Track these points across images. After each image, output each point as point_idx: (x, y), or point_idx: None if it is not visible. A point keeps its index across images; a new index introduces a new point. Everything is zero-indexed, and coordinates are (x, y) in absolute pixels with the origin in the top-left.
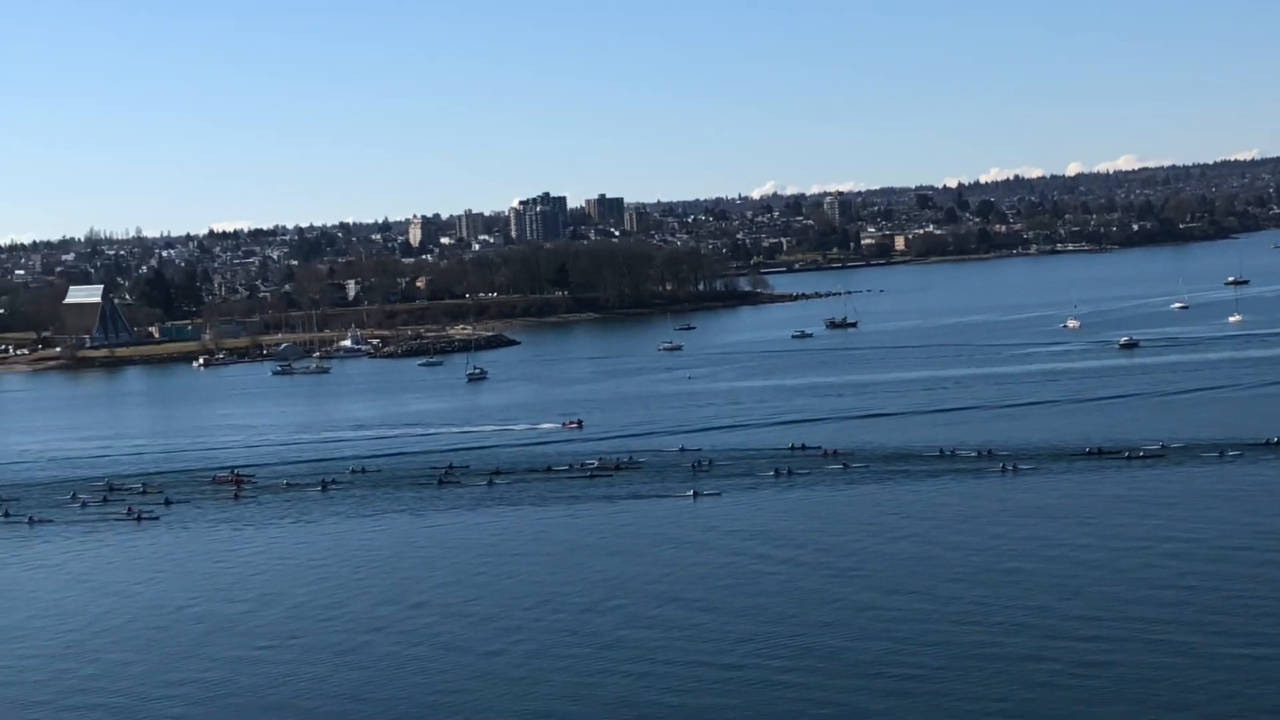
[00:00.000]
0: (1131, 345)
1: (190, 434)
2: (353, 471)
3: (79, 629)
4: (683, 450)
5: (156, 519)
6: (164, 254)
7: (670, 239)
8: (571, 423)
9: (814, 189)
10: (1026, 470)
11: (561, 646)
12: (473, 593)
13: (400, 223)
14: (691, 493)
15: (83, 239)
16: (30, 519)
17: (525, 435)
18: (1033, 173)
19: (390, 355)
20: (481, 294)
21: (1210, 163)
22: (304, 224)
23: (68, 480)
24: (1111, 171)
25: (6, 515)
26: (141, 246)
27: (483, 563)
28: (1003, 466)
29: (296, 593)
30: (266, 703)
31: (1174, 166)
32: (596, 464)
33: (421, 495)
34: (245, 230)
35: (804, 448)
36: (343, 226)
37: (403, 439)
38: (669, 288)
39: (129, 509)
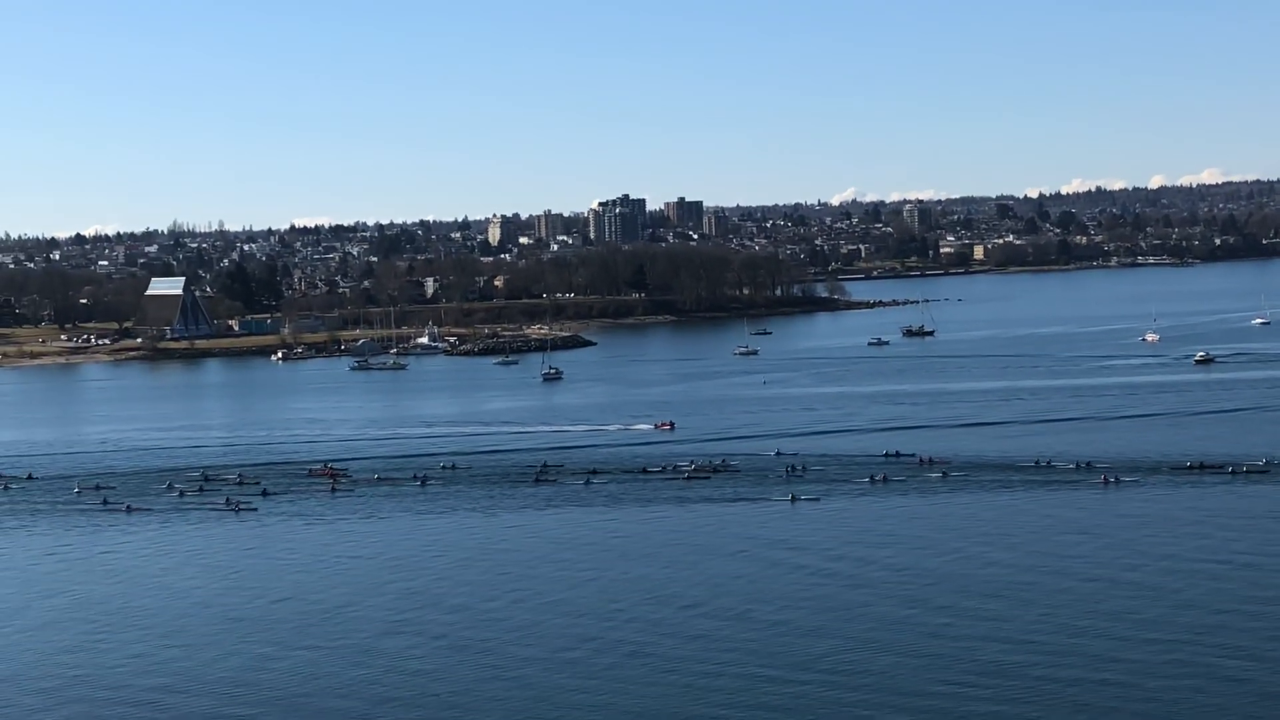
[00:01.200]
0: (1207, 360)
1: (273, 426)
2: (444, 468)
3: (191, 613)
4: (779, 454)
5: (255, 509)
6: (245, 248)
7: (748, 243)
8: (664, 424)
9: (894, 196)
10: (1129, 483)
11: (669, 644)
12: (582, 589)
13: (480, 221)
14: (789, 497)
15: (166, 231)
16: (128, 507)
17: (618, 436)
18: (1115, 184)
19: (466, 353)
20: (559, 294)
21: None
22: (384, 221)
23: (156, 470)
24: (1195, 185)
25: (105, 503)
26: (224, 240)
27: (589, 561)
28: (1105, 479)
29: (415, 585)
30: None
31: (1258, 181)
32: (693, 466)
33: (519, 493)
34: (326, 226)
35: (899, 455)
36: (422, 224)
37: (494, 436)
38: (746, 292)
39: (227, 499)
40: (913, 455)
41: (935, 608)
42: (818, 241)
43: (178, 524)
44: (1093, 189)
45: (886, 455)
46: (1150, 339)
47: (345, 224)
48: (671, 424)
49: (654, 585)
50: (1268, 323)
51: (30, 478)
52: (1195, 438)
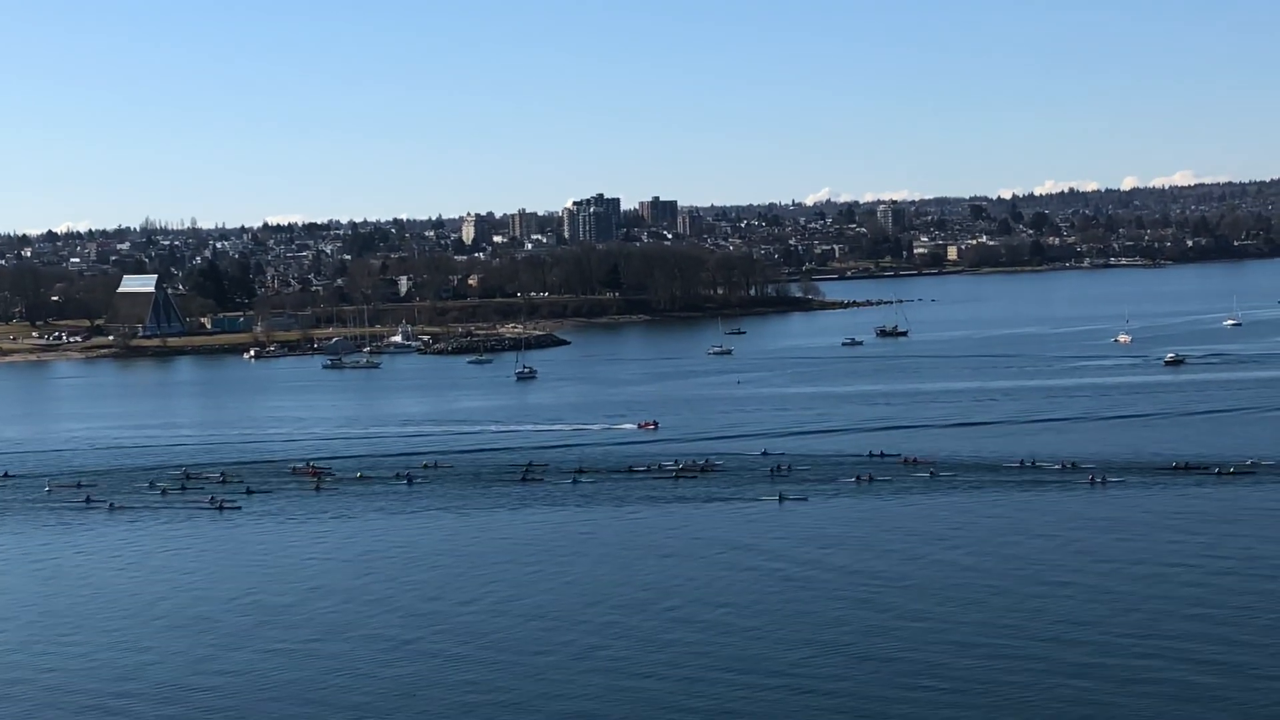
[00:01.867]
0: (1177, 361)
1: (249, 424)
2: (425, 466)
3: (169, 615)
4: (765, 454)
5: (238, 508)
6: (218, 245)
7: (723, 243)
8: (648, 424)
9: (868, 197)
10: (1116, 483)
11: (670, 646)
12: (582, 589)
13: (454, 220)
14: (777, 497)
15: (138, 228)
16: (110, 505)
17: (602, 435)
18: (1088, 186)
19: (440, 352)
20: (533, 293)
21: (1267, 180)
22: (358, 219)
23: (132, 468)
24: (1167, 186)
25: (89, 501)
26: (196, 237)
27: (580, 560)
28: (1092, 479)
29: (423, 578)
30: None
31: (1230, 183)
32: (681, 465)
33: (506, 492)
34: (299, 224)
35: (883, 455)
36: (396, 222)
37: (476, 435)
38: (720, 292)
39: (211, 498)
40: (897, 455)
41: (959, 603)
42: (792, 241)
43: (164, 522)
44: (1065, 190)
45: (871, 455)
46: (1122, 340)
47: (319, 222)
48: (655, 424)
49: (643, 586)
50: (1239, 324)
51: (6, 475)
52: (1173, 438)
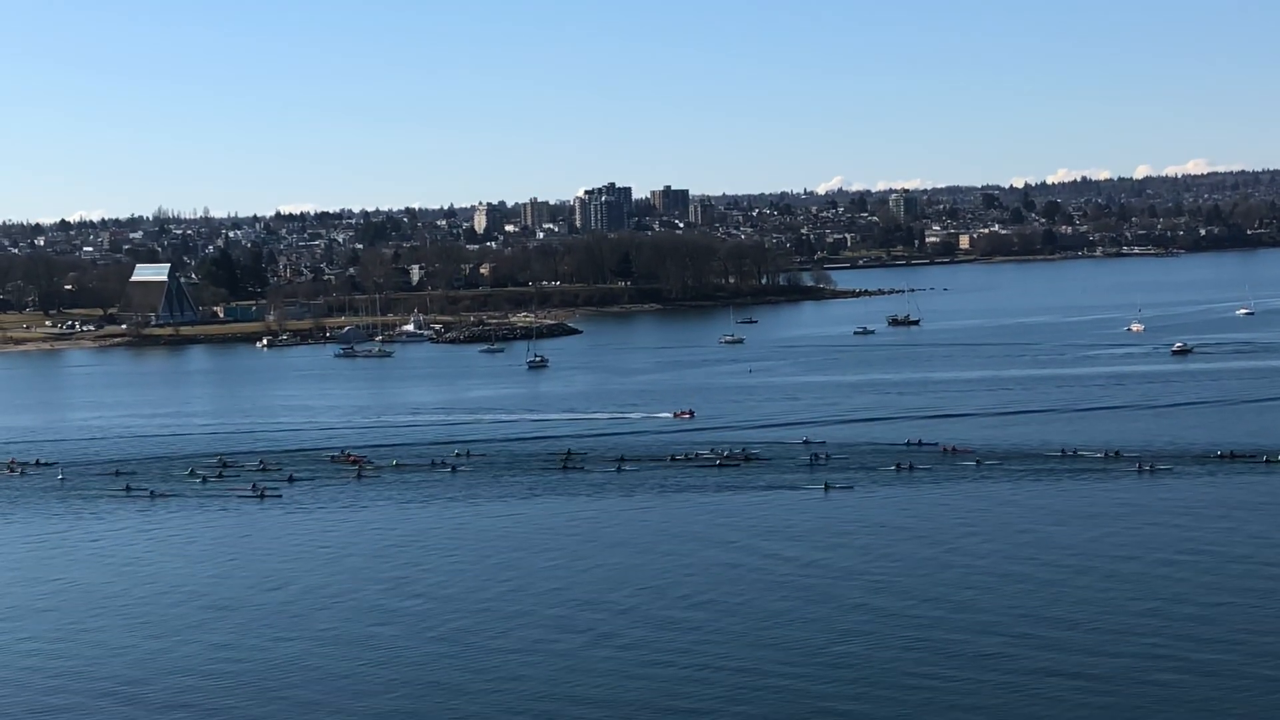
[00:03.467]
0: (1184, 351)
1: (270, 413)
2: (457, 454)
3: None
4: (807, 442)
5: (280, 496)
6: (230, 234)
7: (734, 232)
8: (683, 413)
9: (880, 185)
10: (1164, 470)
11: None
12: (655, 575)
13: (466, 209)
14: (823, 485)
15: (151, 218)
16: (151, 493)
17: (638, 424)
18: (1100, 174)
19: (452, 341)
20: (544, 282)
21: None
22: (370, 208)
23: (157, 457)
24: (1180, 175)
25: (128, 490)
26: (209, 226)
27: (646, 547)
28: (1140, 466)
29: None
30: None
31: (1243, 172)
32: (725, 454)
33: (549, 479)
34: (311, 213)
35: (921, 443)
36: (408, 212)
37: (515, 424)
38: (732, 281)
39: (254, 485)
40: (935, 444)
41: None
42: (804, 230)
43: (212, 510)
44: (1078, 179)
45: (909, 444)
46: (1135, 329)
47: (331, 211)
48: (691, 412)
49: (713, 574)
50: (1252, 313)
51: (38, 463)
52: (1201, 426)
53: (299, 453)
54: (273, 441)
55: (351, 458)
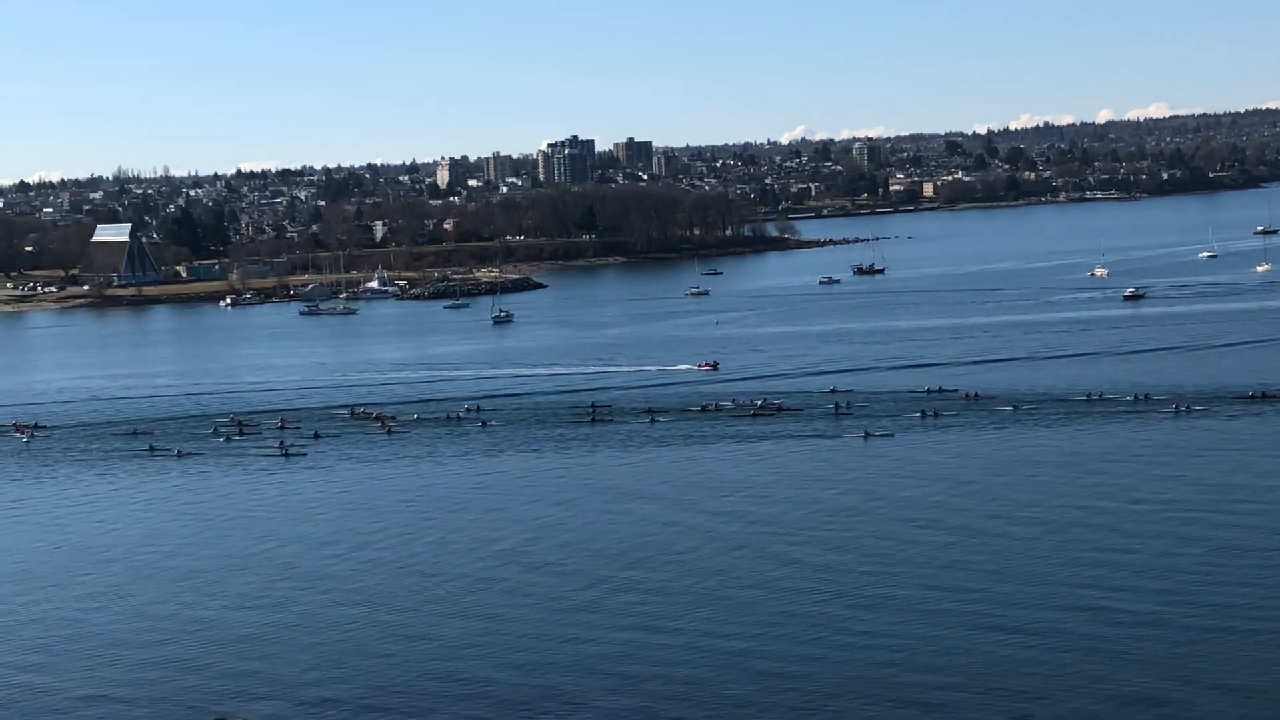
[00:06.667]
0: (1137, 296)
1: (251, 372)
2: (467, 410)
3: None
4: (834, 391)
5: (305, 454)
6: (192, 193)
7: (698, 183)
8: (707, 364)
9: (843, 134)
10: (1200, 411)
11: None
12: (725, 523)
13: (428, 164)
14: (863, 434)
15: (111, 177)
16: (178, 452)
17: (659, 376)
18: (1063, 120)
19: (417, 297)
20: (509, 237)
21: (1241, 111)
22: (332, 165)
23: (158, 418)
24: (1142, 119)
25: (152, 450)
26: (169, 185)
27: (698, 499)
28: (1176, 408)
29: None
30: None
31: (1205, 115)
32: (760, 404)
33: (579, 432)
34: (273, 170)
35: (941, 390)
36: (370, 168)
37: (533, 379)
38: (696, 233)
39: (280, 443)
40: (955, 391)
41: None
42: (768, 181)
43: (244, 469)
44: (1040, 125)
45: (929, 391)
46: (1099, 274)
47: (292, 168)
48: (715, 364)
49: (791, 521)
50: (1214, 255)
51: (37, 426)
52: (1221, 369)
53: (322, 410)
54: (286, 401)
55: (377, 415)
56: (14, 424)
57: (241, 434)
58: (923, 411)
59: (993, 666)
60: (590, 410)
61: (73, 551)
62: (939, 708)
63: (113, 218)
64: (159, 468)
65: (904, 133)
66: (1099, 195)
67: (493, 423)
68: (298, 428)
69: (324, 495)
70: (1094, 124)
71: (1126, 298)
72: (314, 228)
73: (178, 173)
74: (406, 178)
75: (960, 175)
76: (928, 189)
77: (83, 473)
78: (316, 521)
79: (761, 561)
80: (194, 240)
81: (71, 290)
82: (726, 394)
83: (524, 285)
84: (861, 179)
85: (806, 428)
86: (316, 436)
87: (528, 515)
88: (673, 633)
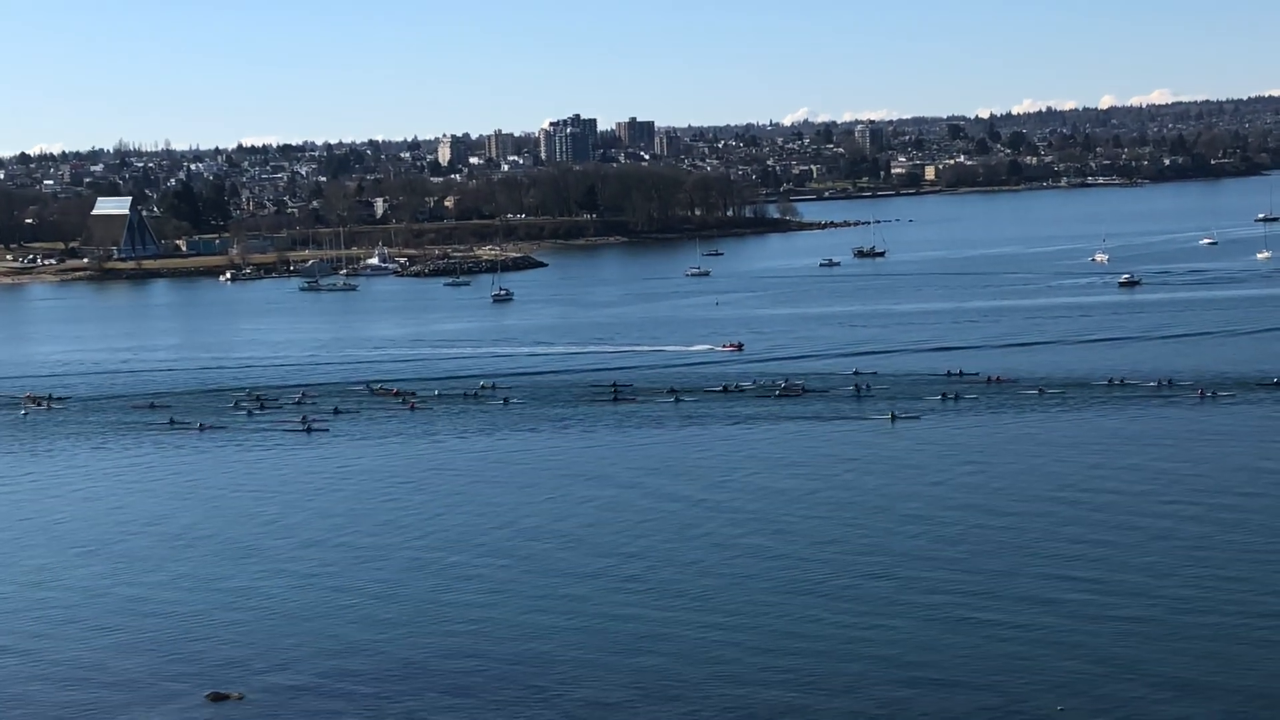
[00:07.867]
0: (1132, 283)
1: (260, 347)
2: (482, 387)
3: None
4: (857, 373)
5: (327, 429)
6: (192, 167)
7: (700, 164)
8: (731, 345)
9: (846, 117)
10: (1225, 397)
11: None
12: (754, 500)
13: (430, 141)
14: (889, 415)
15: (111, 150)
16: (200, 426)
17: (683, 355)
18: (1065, 105)
19: (417, 274)
20: (509, 215)
21: (1244, 98)
22: (333, 140)
23: (169, 392)
24: (1144, 105)
25: (172, 423)
26: (170, 159)
27: (729, 476)
28: (1201, 393)
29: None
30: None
31: (1207, 101)
32: (785, 384)
33: (603, 411)
34: (274, 145)
35: (962, 374)
36: (372, 144)
37: (549, 357)
38: (698, 213)
39: (303, 418)
40: (976, 374)
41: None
42: (769, 162)
43: (269, 444)
44: (1043, 109)
45: (949, 374)
46: (1100, 259)
47: (293, 143)
48: (740, 345)
49: (815, 500)
50: (1215, 243)
51: (51, 397)
52: (1244, 356)
53: (339, 385)
54: (293, 377)
55: (397, 391)
56: (27, 395)
57: (263, 408)
58: (943, 394)
59: (1037, 649)
60: (613, 389)
61: (89, 523)
62: (975, 689)
63: (113, 191)
64: (184, 442)
65: (906, 116)
66: (1100, 181)
67: (514, 400)
68: (315, 403)
69: (364, 467)
70: (1096, 109)
71: (1122, 284)
72: (314, 203)
73: (179, 146)
74: (408, 154)
75: (962, 159)
76: (929, 172)
77: (109, 444)
78: (335, 497)
79: (821, 546)
80: (194, 214)
81: (71, 263)
82: (749, 374)
83: (524, 264)
84: (863, 161)
85: (830, 409)
86: (336, 412)
87: (566, 492)
88: (710, 611)
